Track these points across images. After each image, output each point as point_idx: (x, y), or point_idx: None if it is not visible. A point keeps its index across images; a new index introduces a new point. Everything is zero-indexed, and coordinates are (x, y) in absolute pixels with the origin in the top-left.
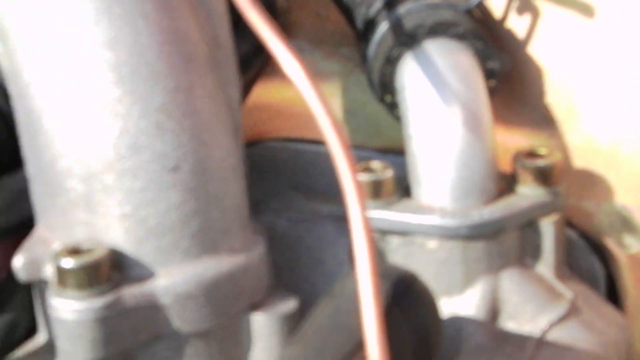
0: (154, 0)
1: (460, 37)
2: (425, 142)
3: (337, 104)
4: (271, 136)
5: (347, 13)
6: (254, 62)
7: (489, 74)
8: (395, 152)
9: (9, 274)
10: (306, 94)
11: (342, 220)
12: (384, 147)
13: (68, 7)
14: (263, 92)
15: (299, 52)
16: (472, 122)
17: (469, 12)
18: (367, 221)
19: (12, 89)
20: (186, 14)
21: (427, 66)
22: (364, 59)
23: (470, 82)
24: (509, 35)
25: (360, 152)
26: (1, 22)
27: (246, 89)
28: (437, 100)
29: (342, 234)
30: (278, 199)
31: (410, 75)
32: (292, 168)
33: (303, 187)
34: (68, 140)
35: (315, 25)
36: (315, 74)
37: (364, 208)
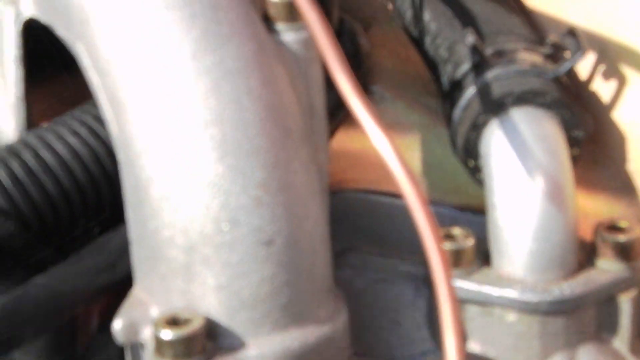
0: (259, 76)
1: (548, 106)
2: (507, 212)
3: (416, 157)
4: (350, 186)
5: (431, 66)
6: (339, 112)
7: (573, 143)
8: (474, 211)
9: (101, 329)
10: (384, 153)
11: (420, 280)
12: (463, 204)
13: (182, 84)
14: (344, 139)
15: (381, 100)
16: (555, 195)
17: (556, 78)
18: (453, 294)
19: (122, 157)
20: (287, 87)
21: (513, 135)
22: (447, 119)
23: (555, 154)
24: (593, 99)
25: (438, 209)
26: (117, 92)
27: (329, 137)
28: (521, 171)
29: (420, 295)
30: (356, 255)
31: (495, 143)
32: (370, 220)
33: (381, 240)
34: (172, 212)
35: (396, 66)
36: (396, 126)
37: (450, 281)
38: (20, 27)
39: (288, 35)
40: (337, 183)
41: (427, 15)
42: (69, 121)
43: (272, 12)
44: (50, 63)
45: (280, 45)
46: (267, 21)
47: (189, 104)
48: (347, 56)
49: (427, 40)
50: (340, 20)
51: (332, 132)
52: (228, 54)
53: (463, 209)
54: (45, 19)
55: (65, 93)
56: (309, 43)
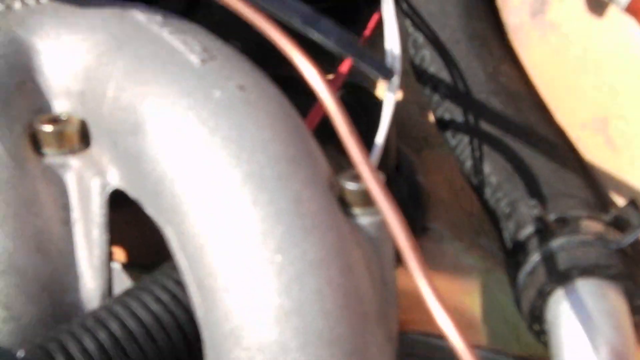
0: (339, 264)
1: (612, 277)
2: None
3: (475, 302)
4: (412, 327)
5: (492, 218)
6: None
7: (635, 311)
8: None
9: None
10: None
11: None
12: (524, 354)
13: (267, 277)
14: (407, 279)
15: (439, 240)
16: None
17: (620, 249)
18: None
19: (206, 337)
20: (364, 271)
21: (579, 307)
22: (510, 276)
23: (619, 325)
24: None
25: (498, 358)
26: (205, 279)
27: None
28: (586, 342)
29: None
30: None
31: (562, 313)
32: None
33: None
34: None
35: (452, 200)
36: (456, 268)
37: None
38: (106, 196)
39: (363, 219)
40: (399, 323)
41: (487, 168)
42: (151, 286)
43: (349, 198)
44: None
45: (356, 228)
46: (344, 205)
47: (272, 296)
48: (406, 196)
49: (487, 192)
50: (397, 154)
51: None
52: (311, 246)
53: (524, 359)
54: (133, 193)
55: None
56: (382, 225)
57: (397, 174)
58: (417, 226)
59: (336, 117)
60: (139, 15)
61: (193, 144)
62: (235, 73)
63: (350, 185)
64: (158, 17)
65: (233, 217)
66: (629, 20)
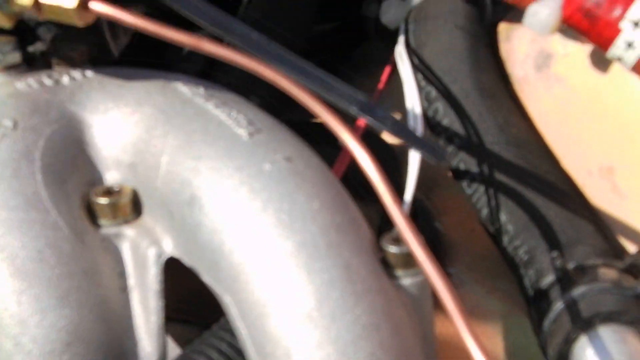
0: (389, 326)
1: (631, 322)
2: None
3: (499, 345)
4: None
5: (511, 265)
6: None
7: None
8: None
9: None
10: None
11: None
12: None
13: (323, 342)
14: (446, 327)
15: (461, 285)
16: None
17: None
18: None
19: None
20: (409, 330)
21: (602, 352)
22: (533, 322)
23: None
24: None
25: None
26: (265, 347)
27: None
28: None
29: None
30: None
31: (587, 358)
32: None
33: None
34: None
35: (467, 243)
36: (478, 312)
37: None
38: (161, 265)
39: (406, 280)
40: None
41: (503, 217)
42: (206, 350)
43: (392, 260)
44: None
45: (400, 289)
46: (387, 267)
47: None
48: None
49: (505, 240)
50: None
51: None
52: (363, 310)
53: None
54: (188, 262)
55: None
56: (424, 285)
57: (415, 221)
58: None
59: (380, 187)
60: (182, 88)
61: (248, 216)
62: (281, 145)
63: (393, 249)
64: (201, 90)
65: (289, 285)
66: (633, 75)
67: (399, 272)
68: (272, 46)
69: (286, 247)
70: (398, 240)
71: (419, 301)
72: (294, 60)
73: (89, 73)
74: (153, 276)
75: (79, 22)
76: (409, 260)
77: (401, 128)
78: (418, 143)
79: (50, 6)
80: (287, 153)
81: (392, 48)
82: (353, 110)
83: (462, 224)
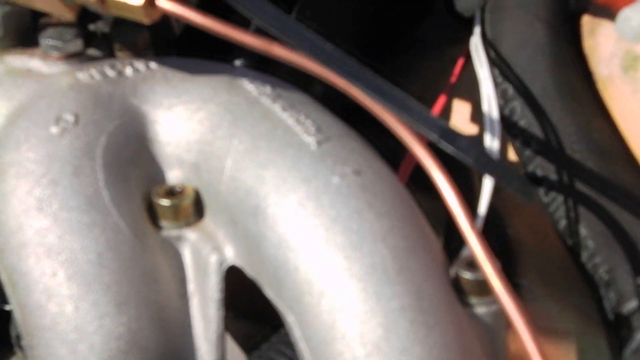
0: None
1: None
2: None
3: None
4: None
5: (590, 284)
6: None
7: None
8: None
9: None
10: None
11: None
12: None
13: None
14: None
15: (532, 298)
16: None
17: None
18: None
19: None
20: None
21: None
22: (612, 351)
23: None
24: None
25: None
26: (319, 335)
27: None
28: None
29: None
30: None
31: None
32: None
33: None
34: None
35: (538, 248)
36: (551, 331)
37: None
38: (223, 273)
39: (480, 308)
40: None
41: (583, 231)
42: None
43: (466, 287)
44: None
45: (473, 319)
46: (460, 293)
47: None
48: (495, 248)
49: (584, 255)
50: None
51: None
52: (434, 343)
53: None
54: (251, 273)
55: None
56: (499, 315)
57: (486, 228)
58: None
59: (459, 217)
60: (249, 86)
61: (314, 234)
62: (350, 156)
63: (468, 275)
64: (268, 89)
65: (357, 311)
66: None
67: (473, 300)
68: (347, 61)
69: (354, 270)
70: (472, 265)
71: (493, 332)
72: (371, 78)
73: (153, 64)
74: (214, 284)
75: (146, 19)
76: (483, 288)
77: (487, 161)
78: (506, 178)
79: (115, 2)
80: (357, 165)
81: (462, 28)
82: (433, 137)
83: (534, 227)
